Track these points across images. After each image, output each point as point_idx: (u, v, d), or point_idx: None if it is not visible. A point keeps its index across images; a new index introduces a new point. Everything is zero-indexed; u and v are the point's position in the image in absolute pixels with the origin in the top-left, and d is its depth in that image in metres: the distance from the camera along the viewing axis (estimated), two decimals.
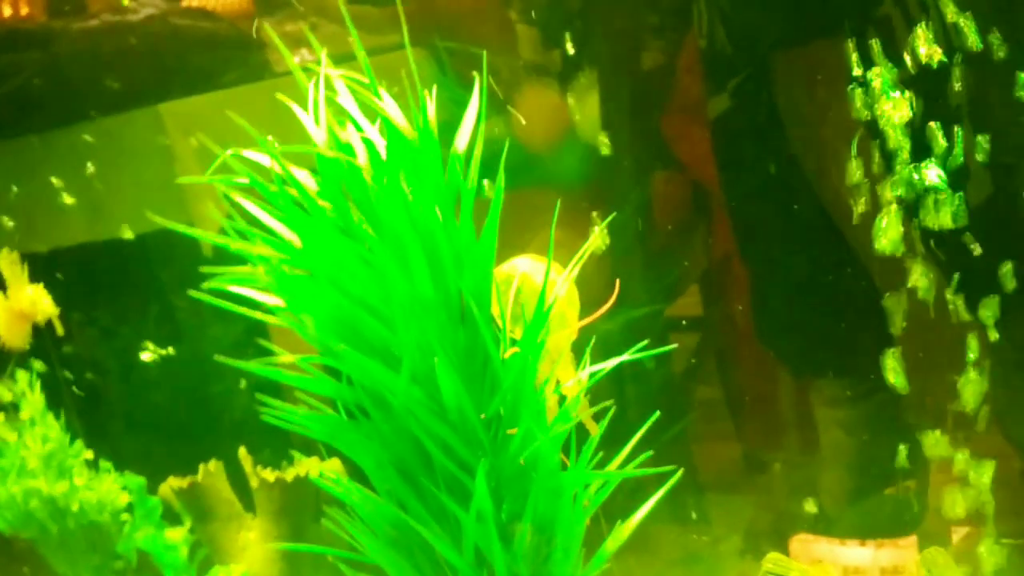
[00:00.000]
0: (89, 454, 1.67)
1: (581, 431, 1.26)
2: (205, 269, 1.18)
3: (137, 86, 2.27)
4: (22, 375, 1.70)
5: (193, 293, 1.19)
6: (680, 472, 1.20)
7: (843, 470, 1.66)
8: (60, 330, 1.59)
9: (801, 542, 1.49)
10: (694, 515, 1.83)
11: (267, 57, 2.61)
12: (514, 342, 1.19)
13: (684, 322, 1.73)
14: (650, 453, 1.15)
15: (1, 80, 2.33)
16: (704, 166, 1.99)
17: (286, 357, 1.15)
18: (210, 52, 2.52)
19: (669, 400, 1.48)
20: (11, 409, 1.70)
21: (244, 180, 1.17)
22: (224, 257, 1.23)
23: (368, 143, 1.16)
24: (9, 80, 2.34)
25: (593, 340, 1.20)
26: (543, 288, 1.14)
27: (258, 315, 1.18)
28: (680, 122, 1.96)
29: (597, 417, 1.24)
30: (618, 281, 1.12)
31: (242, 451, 1.50)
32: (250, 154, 1.16)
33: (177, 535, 1.61)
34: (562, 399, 1.22)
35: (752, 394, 1.91)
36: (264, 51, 2.64)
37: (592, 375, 1.22)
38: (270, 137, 1.17)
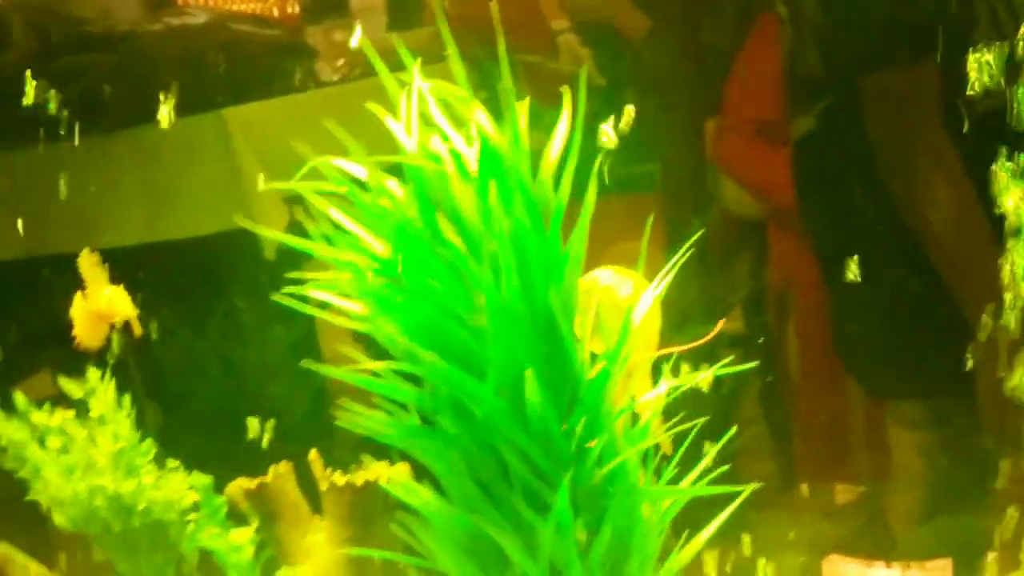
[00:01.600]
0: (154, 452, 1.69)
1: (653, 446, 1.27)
2: (292, 275, 1.19)
3: (200, 90, 2.31)
4: (93, 372, 1.73)
5: (275, 296, 1.21)
6: (753, 487, 1.20)
7: (914, 492, 1.65)
8: (138, 330, 1.61)
9: (831, 563, 1.49)
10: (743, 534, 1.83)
11: (320, 66, 2.65)
12: (594, 356, 1.20)
13: (760, 340, 1.73)
14: (726, 468, 1.16)
15: (68, 81, 2.38)
16: (759, 187, 1.99)
17: (370, 364, 1.16)
18: (270, 59, 2.56)
19: (730, 417, 1.48)
20: (81, 407, 1.73)
21: (330, 186, 1.19)
22: (285, 262, 1.24)
23: (455, 152, 1.18)
24: (76, 81, 2.39)
25: (674, 357, 1.21)
26: (627, 302, 1.15)
27: (339, 320, 1.20)
28: (731, 143, 1.96)
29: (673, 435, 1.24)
30: (722, 321, 1.13)
31: (313, 453, 1.51)
32: (337, 161, 1.18)
33: (243, 536, 1.63)
34: (637, 416, 1.23)
35: (813, 415, 1.91)
36: (317, 60, 2.67)
37: (670, 391, 1.23)
38: (348, 143, 1.18)
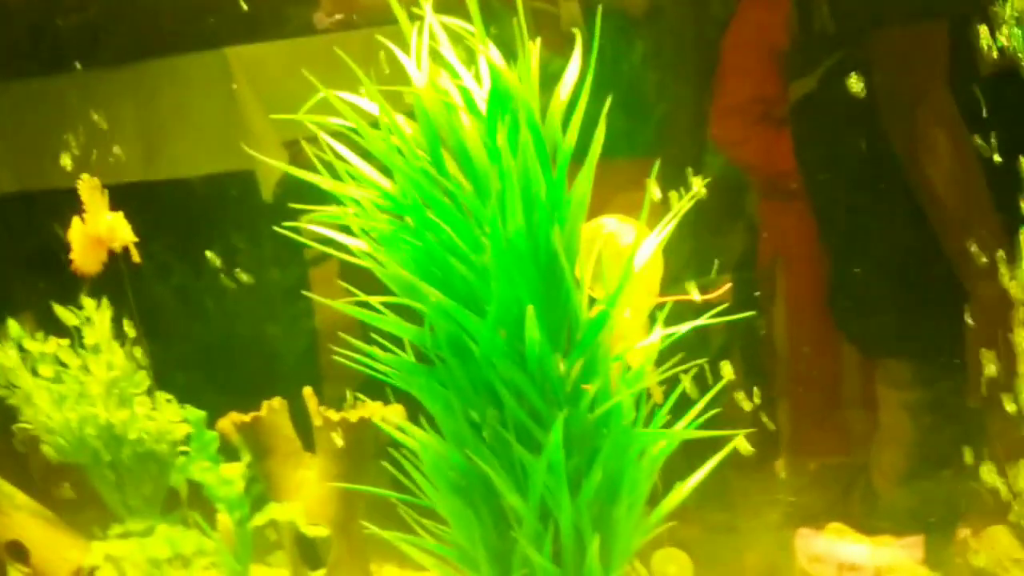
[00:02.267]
0: (149, 382, 1.69)
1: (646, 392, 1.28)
2: (296, 206, 1.19)
3: (203, 29, 2.29)
4: (88, 301, 1.73)
5: (277, 228, 1.21)
6: (740, 437, 1.22)
7: (902, 452, 1.67)
8: (136, 258, 1.61)
9: (803, 537, 1.52)
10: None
11: (320, 11, 2.62)
12: (593, 300, 1.21)
13: (756, 293, 1.75)
14: (718, 410, 1.17)
15: (69, 13, 2.35)
16: (755, 164, 1.98)
17: (371, 298, 1.17)
18: (273, 3, 2.53)
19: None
20: (76, 334, 1.73)
21: (340, 121, 1.19)
22: (283, 204, 1.24)
23: (465, 91, 1.18)
24: (76, 13, 2.36)
25: (668, 306, 1.22)
26: (629, 250, 1.16)
27: (341, 256, 1.20)
28: (729, 124, 1.95)
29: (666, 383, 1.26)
30: (730, 283, 1.14)
31: (307, 390, 1.52)
32: (347, 96, 1.18)
33: (233, 470, 1.64)
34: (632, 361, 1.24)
35: (802, 378, 1.93)
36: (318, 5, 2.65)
37: (664, 338, 1.24)
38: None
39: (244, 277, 1.90)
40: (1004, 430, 1.27)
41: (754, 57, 1.92)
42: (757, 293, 1.55)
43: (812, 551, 1.44)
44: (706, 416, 1.19)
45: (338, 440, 1.43)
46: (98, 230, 1.60)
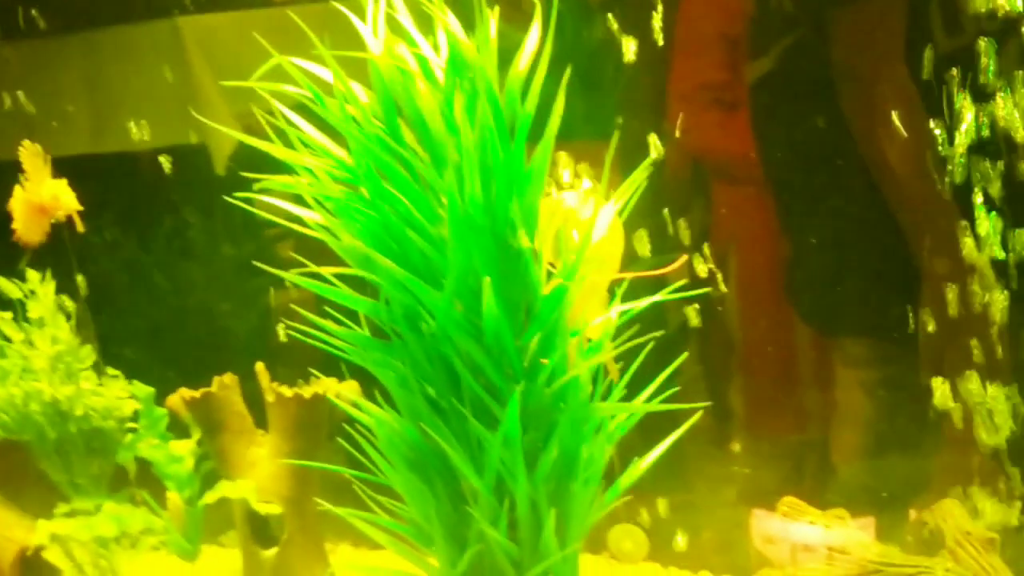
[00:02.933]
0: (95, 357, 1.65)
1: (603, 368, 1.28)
2: (249, 175, 1.17)
3: None
4: (32, 274, 1.68)
5: (228, 198, 1.18)
6: (700, 413, 1.22)
7: (858, 430, 1.69)
8: (80, 227, 1.56)
9: (757, 518, 1.53)
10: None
11: None
12: (551, 274, 1.20)
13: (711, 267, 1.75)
14: (676, 389, 1.17)
15: None
16: (706, 149, 1.99)
17: (325, 269, 1.15)
18: None
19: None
20: (18, 307, 1.68)
21: (293, 89, 1.16)
22: (240, 179, 1.21)
23: (423, 60, 1.15)
24: None
25: (625, 283, 1.21)
26: (588, 224, 1.14)
27: (295, 227, 1.17)
28: (679, 110, 1.95)
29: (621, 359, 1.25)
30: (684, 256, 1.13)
31: (259, 366, 1.49)
32: (301, 62, 1.15)
33: (183, 447, 1.61)
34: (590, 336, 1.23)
35: (753, 359, 1.94)
36: None
37: (621, 314, 1.23)
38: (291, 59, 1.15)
39: (196, 251, 1.86)
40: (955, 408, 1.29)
41: (703, 42, 1.92)
42: (711, 268, 1.55)
43: (766, 532, 1.45)
44: (664, 395, 1.19)
45: (289, 418, 1.40)
46: (41, 198, 1.54)
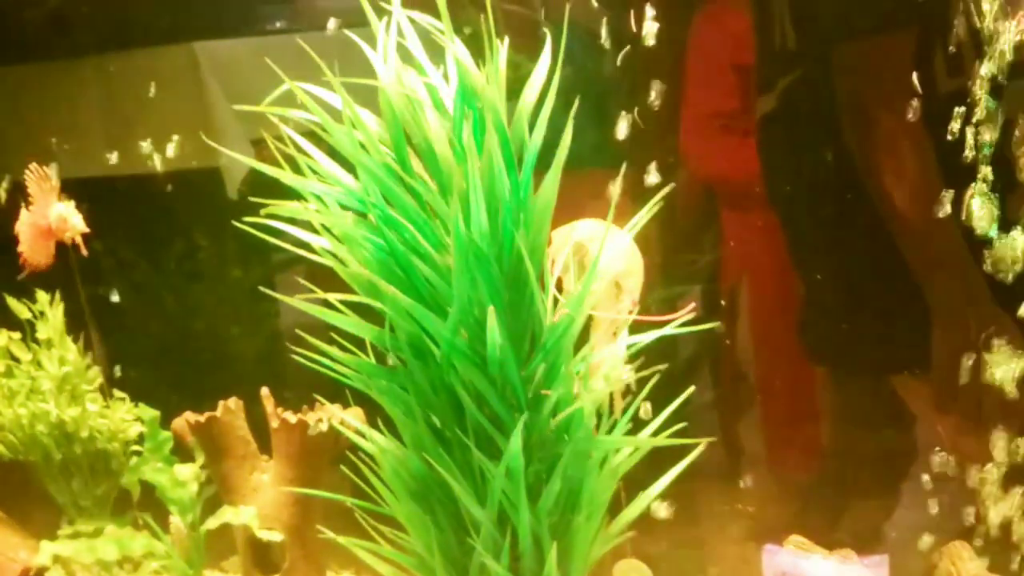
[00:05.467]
0: (102, 380, 1.65)
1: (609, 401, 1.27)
2: (257, 199, 1.17)
3: (173, 23, 2.25)
4: (42, 295, 1.68)
5: (237, 223, 1.18)
6: (703, 447, 1.20)
7: (870, 467, 1.67)
8: (84, 251, 1.56)
9: (768, 552, 1.51)
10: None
11: (297, 9, 2.60)
12: (558, 304, 1.20)
13: (722, 301, 1.74)
14: (683, 424, 1.16)
15: (36, 4, 2.31)
16: (716, 176, 1.99)
17: (330, 296, 1.14)
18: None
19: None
20: (28, 328, 1.68)
21: (303, 115, 1.16)
22: (251, 203, 1.22)
23: (432, 89, 1.16)
24: (43, 4, 2.32)
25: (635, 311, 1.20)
26: (599, 255, 1.14)
27: (303, 254, 1.17)
28: (690, 138, 1.95)
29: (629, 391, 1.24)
30: (693, 304, 1.13)
31: (264, 391, 1.49)
32: (311, 88, 1.16)
33: (187, 471, 1.60)
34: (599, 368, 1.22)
35: (763, 394, 1.92)
36: (295, 3, 2.63)
37: (629, 347, 1.23)
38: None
39: (206, 274, 1.87)
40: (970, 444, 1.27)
41: (713, 71, 1.93)
42: (723, 302, 1.55)
43: (777, 567, 1.43)
44: (671, 430, 1.17)
45: (294, 444, 1.40)
46: (47, 220, 1.55)
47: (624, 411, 1.24)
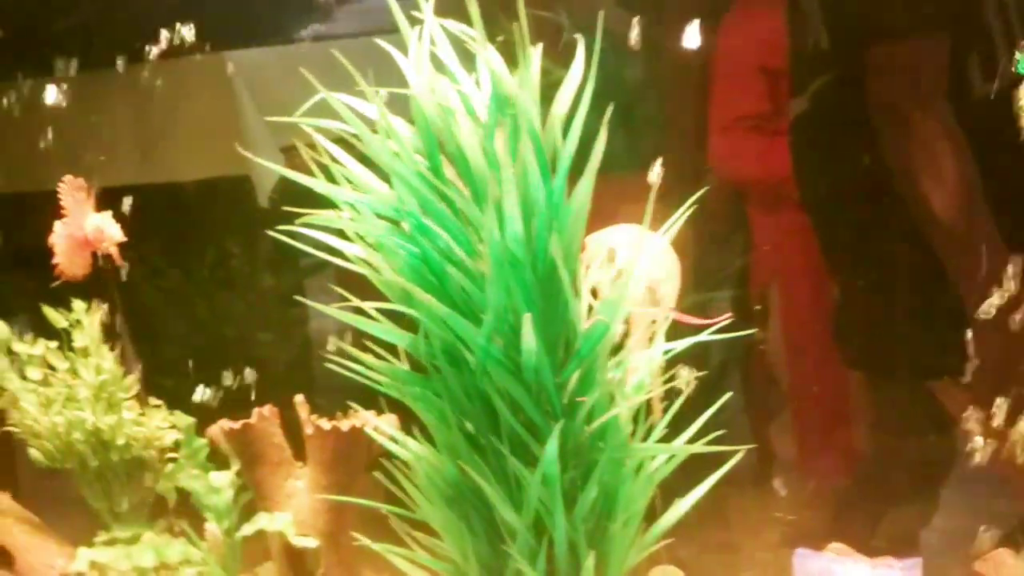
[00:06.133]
0: (138, 389, 1.67)
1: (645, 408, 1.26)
2: (289, 209, 1.17)
3: (204, 31, 2.27)
4: (78, 304, 1.70)
5: (271, 232, 1.19)
6: (741, 453, 1.20)
7: (905, 474, 1.66)
8: (119, 260, 1.57)
9: (800, 557, 1.50)
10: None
11: (331, 18, 2.62)
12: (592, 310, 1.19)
13: (757, 307, 1.73)
14: (721, 432, 1.15)
15: (65, 14, 2.33)
16: (746, 178, 1.98)
17: (365, 304, 1.15)
18: (278, 7, 2.52)
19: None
20: (64, 337, 1.70)
21: (336, 124, 1.17)
22: (282, 212, 1.22)
23: (465, 97, 1.16)
24: (73, 14, 2.35)
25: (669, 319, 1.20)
26: (633, 261, 1.14)
27: (336, 261, 1.18)
28: (719, 141, 1.95)
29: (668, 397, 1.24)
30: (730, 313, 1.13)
31: (299, 398, 1.50)
32: (344, 97, 1.16)
33: (223, 478, 1.61)
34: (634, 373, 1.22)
35: (797, 400, 1.91)
36: (329, 12, 2.64)
37: (664, 352, 1.22)
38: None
39: (237, 282, 1.89)
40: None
41: (741, 74, 1.92)
42: (757, 307, 1.54)
43: (809, 572, 1.42)
44: (708, 438, 1.16)
45: (328, 451, 1.40)
46: (83, 232, 1.56)
47: (662, 416, 1.23)
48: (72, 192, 1.63)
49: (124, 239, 1.55)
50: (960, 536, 1.44)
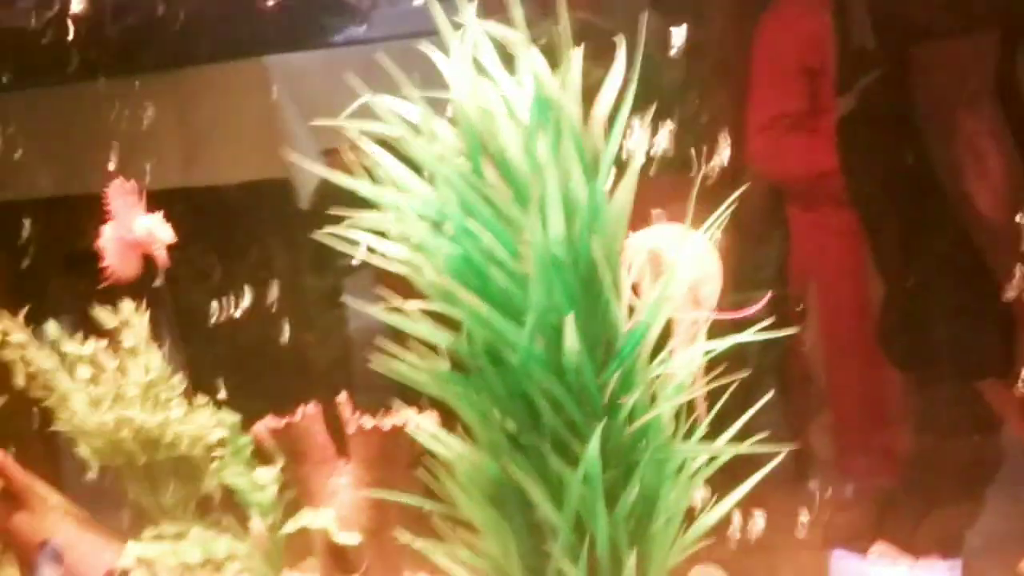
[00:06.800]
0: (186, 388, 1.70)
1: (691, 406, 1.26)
2: (333, 212, 1.19)
3: (245, 36, 2.31)
4: (126, 303, 1.74)
5: (315, 234, 1.21)
6: (785, 452, 1.20)
7: (950, 473, 1.64)
8: (165, 260, 1.60)
9: (837, 559, 1.49)
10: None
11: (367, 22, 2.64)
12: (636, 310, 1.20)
13: (800, 307, 1.73)
14: (764, 434, 1.15)
15: (115, 19, 2.38)
16: (786, 175, 1.97)
17: (407, 304, 1.16)
18: (316, 12, 2.56)
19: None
20: (114, 337, 1.73)
21: (382, 127, 1.18)
22: (321, 211, 1.24)
23: (506, 98, 1.17)
24: (122, 19, 2.39)
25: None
26: (676, 261, 1.14)
27: (378, 262, 1.19)
28: (758, 139, 1.94)
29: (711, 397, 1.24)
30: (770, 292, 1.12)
31: (342, 395, 1.52)
32: (387, 99, 1.18)
33: (267, 475, 1.64)
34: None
35: (837, 399, 1.90)
36: (365, 17, 2.67)
37: (706, 353, 1.22)
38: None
39: (280, 282, 1.92)
40: None
41: (780, 73, 1.91)
42: (800, 308, 1.54)
43: (844, 572, 1.42)
44: (753, 440, 1.16)
45: (370, 448, 1.42)
46: (132, 234, 1.59)
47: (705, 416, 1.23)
48: (121, 195, 1.66)
49: (174, 240, 1.57)
50: (1005, 538, 1.42)
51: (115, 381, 1.68)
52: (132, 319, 1.65)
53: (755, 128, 1.95)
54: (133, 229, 1.59)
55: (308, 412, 1.50)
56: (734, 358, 1.21)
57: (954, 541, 1.73)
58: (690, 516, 1.26)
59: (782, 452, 1.15)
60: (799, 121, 1.94)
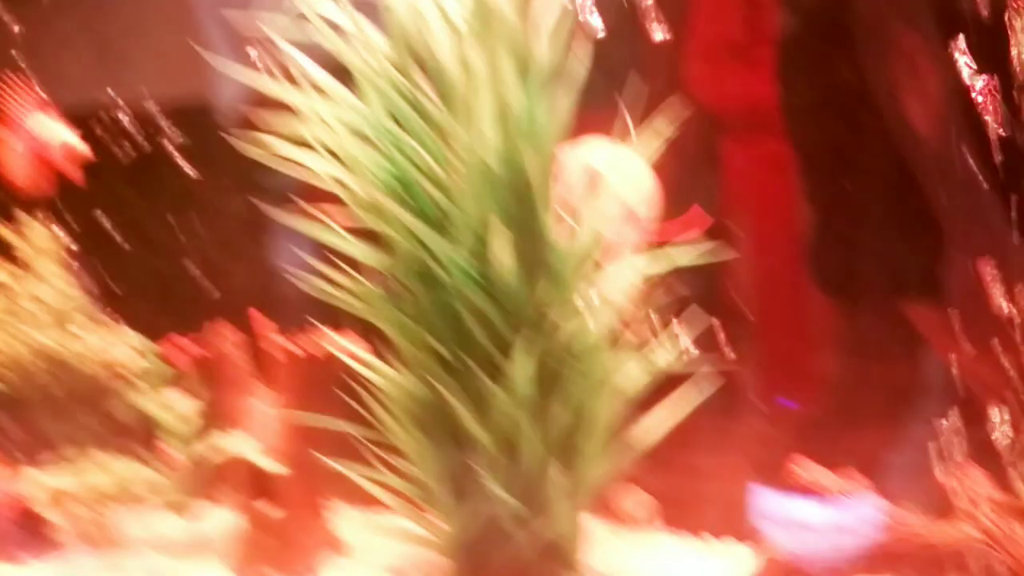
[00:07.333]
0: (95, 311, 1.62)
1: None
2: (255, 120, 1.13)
3: None
4: (34, 224, 1.64)
5: (238, 144, 1.15)
6: (720, 378, 1.20)
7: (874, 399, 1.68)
8: (79, 179, 1.50)
9: (753, 493, 1.51)
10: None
11: None
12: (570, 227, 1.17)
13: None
14: (692, 351, 1.15)
15: None
16: (722, 104, 1.97)
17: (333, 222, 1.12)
18: None
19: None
20: (18, 258, 1.64)
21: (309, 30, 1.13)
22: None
23: (441, 3, 1.12)
24: None
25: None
26: (609, 176, 1.12)
27: (303, 174, 1.14)
28: (696, 67, 1.93)
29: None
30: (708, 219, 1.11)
31: (257, 315, 1.46)
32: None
33: (182, 400, 1.58)
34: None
35: (767, 326, 1.92)
36: None
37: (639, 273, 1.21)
38: None
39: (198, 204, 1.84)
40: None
41: (719, 2, 1.90)
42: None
43: (762, 508, 1.43)
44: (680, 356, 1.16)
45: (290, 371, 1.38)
46: (44, 147, 1.48)
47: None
48: (16, 96, 1.52)
49: (87, 151, 1.47)
50: (923, 457, 1.46)
51: (17, 301, 1.60)
52: (38, 238, 1.57)
53: (693, 55, 1.93)
54: (37, 135, 1.46)
55: (223, 334, 1.45)
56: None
57: (872, 458, 1.78)
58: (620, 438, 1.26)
59: (710, 374, 1.15)
60: (736, 52, 1.93)
